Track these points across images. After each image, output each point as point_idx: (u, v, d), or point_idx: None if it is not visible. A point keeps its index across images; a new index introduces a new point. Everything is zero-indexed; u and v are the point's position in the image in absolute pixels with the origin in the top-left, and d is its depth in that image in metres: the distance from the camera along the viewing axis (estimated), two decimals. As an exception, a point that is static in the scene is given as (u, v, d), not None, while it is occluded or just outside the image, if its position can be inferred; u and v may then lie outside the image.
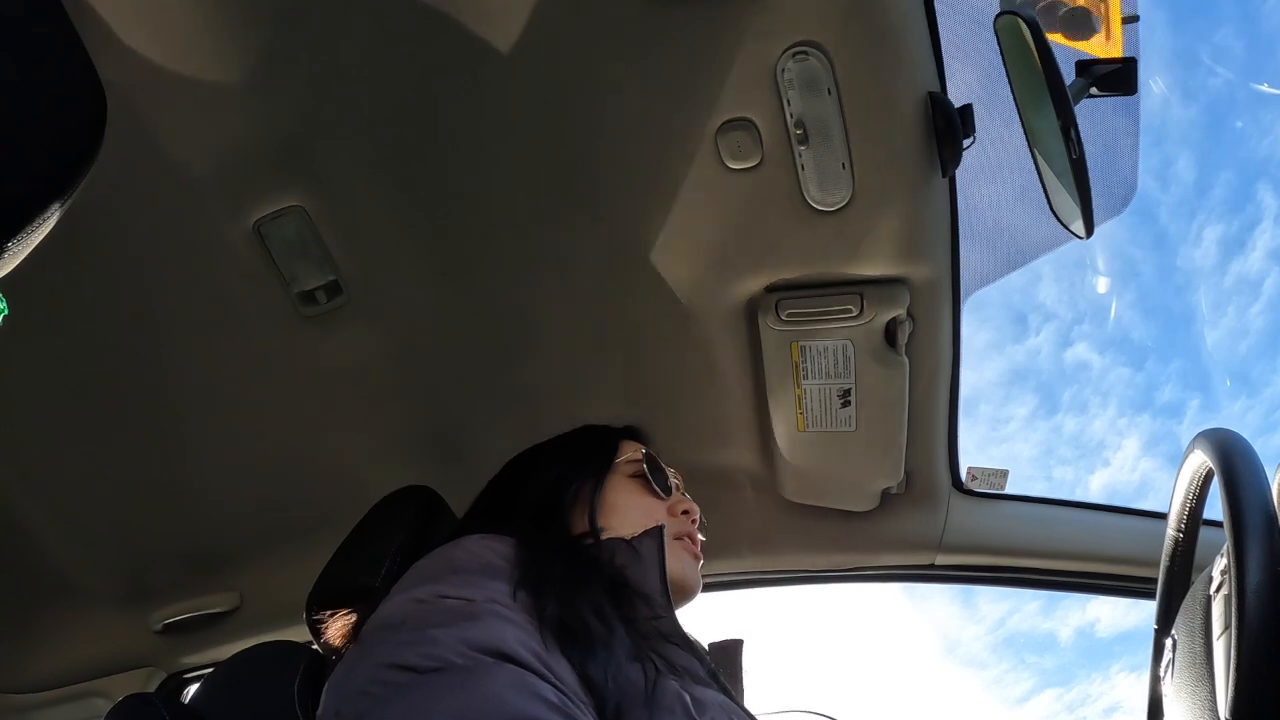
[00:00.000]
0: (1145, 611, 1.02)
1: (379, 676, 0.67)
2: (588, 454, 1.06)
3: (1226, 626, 0.75)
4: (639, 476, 1.05)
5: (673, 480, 1.09)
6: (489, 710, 0.62)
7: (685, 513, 1.05)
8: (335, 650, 0.90)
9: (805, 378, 1.27)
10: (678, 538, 1.02)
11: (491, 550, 0.82)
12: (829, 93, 0.96)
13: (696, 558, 1.04)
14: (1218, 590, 0.80)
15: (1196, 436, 0.88)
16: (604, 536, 0.95)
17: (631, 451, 1.08)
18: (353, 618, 0.86)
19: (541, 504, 0.99)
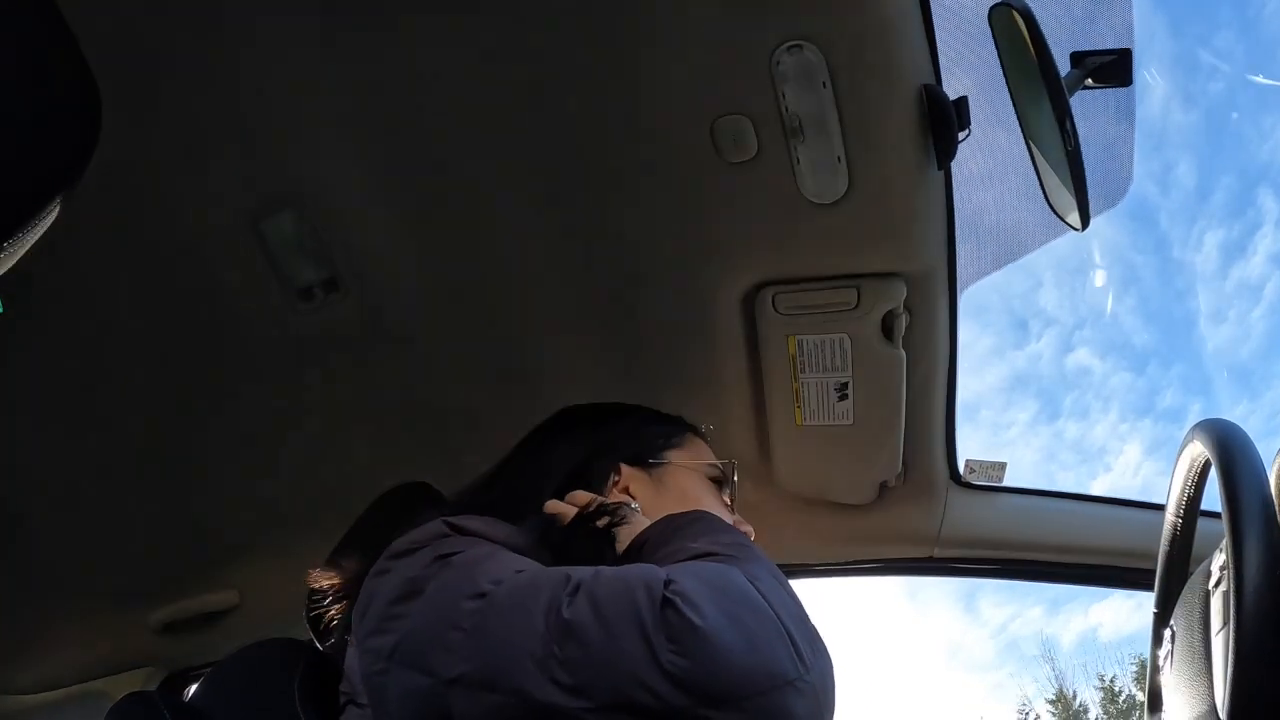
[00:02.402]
0: (1147, 615, 1.02)
1: (462, 609, 0.68)
2: (660, 431, 1.04)
3: (1225, 623, 0.75)
4: (719, 482, 1.03)
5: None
6: (556, 578, 0.67)
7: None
8: (328, 635, 0.90)
9: (802, 371, 1.27)
10: None
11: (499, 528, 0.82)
12: (824, 86, 0.96)
13: None
14: (1216, 586, 0.81)
15: (1194, 426, 0.89)
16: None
17: (711, 454, 1.05)
18: (347, 608, 0.87)
19: (586, 472, 0.97)
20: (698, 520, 0.81)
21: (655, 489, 0.97)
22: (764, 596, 0.65)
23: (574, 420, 1.06)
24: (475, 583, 0.69)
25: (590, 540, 0.83)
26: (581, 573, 0.67)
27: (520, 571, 0.70)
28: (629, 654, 0.61)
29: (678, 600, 0.61)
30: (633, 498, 0.95)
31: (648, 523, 0.85)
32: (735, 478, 1.04)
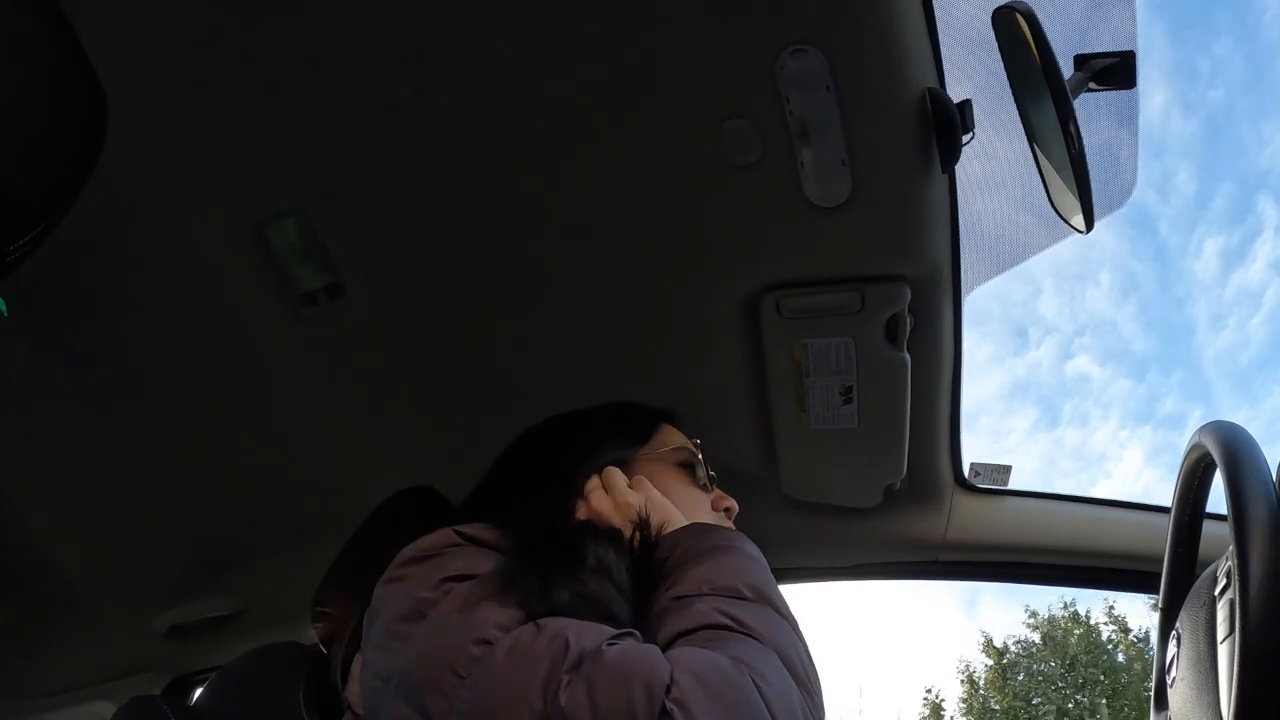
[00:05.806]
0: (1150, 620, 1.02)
1: (465, 654, 0.68)
2: (628, 431, 1.00)
3: (1231, 631, 0.75)
4: (687, 466, 0.99)
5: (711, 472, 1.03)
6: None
7: (727, 509, 1.00)
8: (332, 644, 0.90)
9: (807, 375, 1.27)
10: None
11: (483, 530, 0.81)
12: (828, 89, 0.96)
13: None
14: (1222, 593, 0.80)
15: (1200, 428, 0.89)
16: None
17: (676, 438, 1.02)
18: (352, 613, 0.86)
19: (564, 480, 0.93)
20: (716, 551, 0.79)
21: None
22: (767, 706, 0.65)
23: (546, 434, 1.04)
24: (476, 628, 0.69)
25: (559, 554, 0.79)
26: (584, 644, 0.66)
27: (524, 622, 0.69)
28: None
29: (675, 712, 0.61)
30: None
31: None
32: (700, 456, 1.00)
